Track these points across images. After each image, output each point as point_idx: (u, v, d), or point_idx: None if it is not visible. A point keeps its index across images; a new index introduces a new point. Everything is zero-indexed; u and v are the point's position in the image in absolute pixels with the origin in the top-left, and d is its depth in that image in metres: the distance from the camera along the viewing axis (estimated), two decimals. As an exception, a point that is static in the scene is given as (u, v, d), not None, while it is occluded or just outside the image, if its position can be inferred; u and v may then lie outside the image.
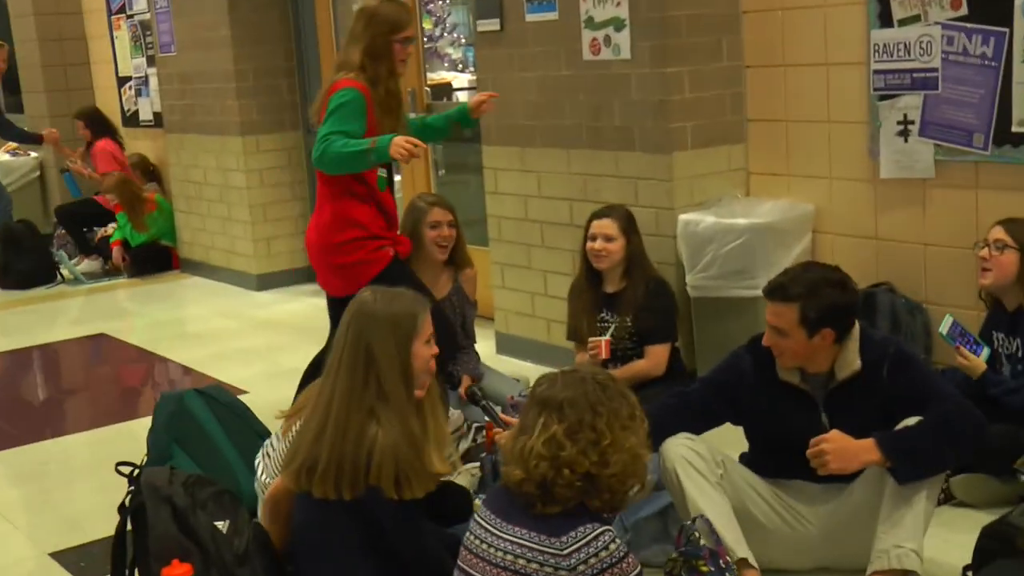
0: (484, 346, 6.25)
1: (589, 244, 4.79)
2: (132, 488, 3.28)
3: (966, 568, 3.32)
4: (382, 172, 4.57)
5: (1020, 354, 4.04)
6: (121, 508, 3.29)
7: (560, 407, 2.64)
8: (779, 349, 3.41)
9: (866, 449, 3.23)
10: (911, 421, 3.30)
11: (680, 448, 3.40)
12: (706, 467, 3.39)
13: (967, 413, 3.27)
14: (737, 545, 3.28)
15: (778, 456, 3.54)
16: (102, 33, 10.54)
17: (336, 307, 4.44)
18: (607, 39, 5.31)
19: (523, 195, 5.94)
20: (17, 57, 11.58)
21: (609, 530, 2.60)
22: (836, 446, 3.22)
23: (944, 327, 4.07)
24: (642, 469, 2.69)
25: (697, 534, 3.19)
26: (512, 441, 2.72)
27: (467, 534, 2.77)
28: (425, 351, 3.15)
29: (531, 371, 5.87)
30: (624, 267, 4.79)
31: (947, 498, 4.04)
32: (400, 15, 4.58)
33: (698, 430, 3.57)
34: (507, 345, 6.25)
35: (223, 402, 4.51)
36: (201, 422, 4.40)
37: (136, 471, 3.35)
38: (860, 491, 3.38)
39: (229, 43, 8.22)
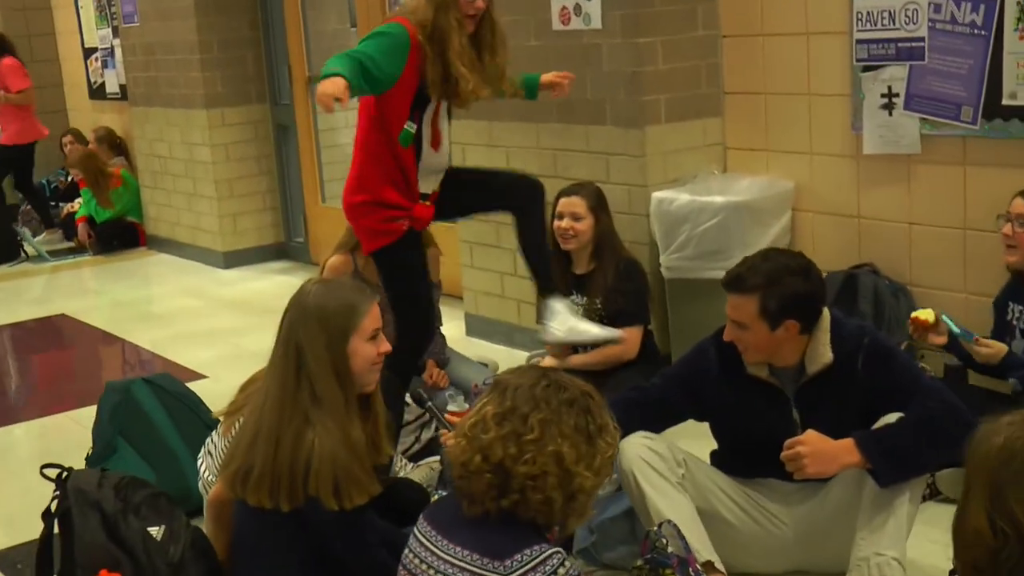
0: (453, 327, 6.05)
1: (556, 223, 4.56)
2: (57, 492, 3.05)
3: (952, 573, 3.11)
4: (409, 126, 3.94)
5: None
6: (46, 514, 3.06)
7: (504, 391, 2.42)
8: (742, 344, 3.18)
9: (845, 450, 3.00)
10: (891, 418, 3.08)
11: (637, 448, 3.18)
12: (666, 467, 3.17)
13: (953, 409, 3.03)
14: (702, 547, 3.07)
15: (748, 454, 3.32)
16: (67, 3, 10.25)
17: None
18: (577, 8, 5.06)
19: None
20: (-20, 27, 11.30)
21: (558, 552, 2.35)
22: (813, 449, 2.99)
23: (952, 324, 3.86)
24: (578, 491, 2.40)
25: (664, 540, 2.98)
26: (464, 419, 2.51)
27: (406, 550, 2.54)
28: (367, 348, 2.91)
29: (501, 354, 5.67)
30: (593, 247, 4.57)
31: (932, 493, 3.84)
32: None
33: (659, 428, 3.35)
34: (477, 327, 6.04)
35: (172, 392, 4.31)
36: (148, 413, 4.21)
37: (65, 473, 3.12)
38: (838, 491, 3.17)
39: (192, 12, 7.95)
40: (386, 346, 2.97)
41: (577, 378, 2.51)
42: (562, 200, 4.57)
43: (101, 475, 3.11)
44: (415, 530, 2.54)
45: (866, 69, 4.55)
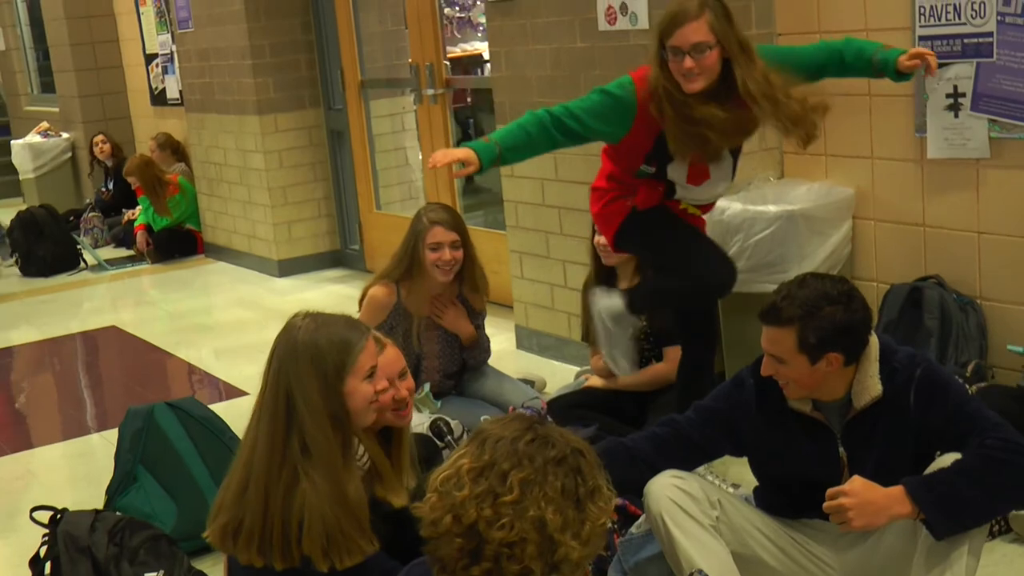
0: (503, 340, 5.86)
1: (596, 238, 4.32)
2: (46, 538, 2.88)
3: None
4: (646, 168, 3.77)
5: None
6: (34, 561, 2.89)
7: (483, 442, 2.09)
8: (781, 379, 2.90)
9: (895, 500, 2.71)
10: (947, 460, 2.78)
11: (667, 489, 2.91)
12: (698, 509, 2.90)
13: (1016, 449, 2.73)
14: None
15: (791, 493, 3.05)
16: (129, 9, 10.22)
17: None
18: (623, 7, 4.81)
19: (540, 178, 5.48)
20: (46, 36, 11.34)
21: None
22: (859, 500, 2.70)
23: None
24: (560, 561, 2.05)
25: (694, 593, 2.73)
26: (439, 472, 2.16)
27: None
28: (365, 388, 2.70)
29: (551, 369, 5.45)
30: (636, 262, 4.31)
31: (1003, 530, 3.54)
32: (668, 16, 3.59)
33: (692, 466, 3.09)
34: (527, 340, 5.82)
35: (197, 417, 4.13)
36: (172, 440, 4.03)
37: (59, 516, 2.95)
38: (891, 538, 2.88)
39: (243, 17, 7.81)
40: (384, 384, 2.75)
41: (570, 432, 2.22)
42: None
43: (95, 517, 2.96)
44: None
45: (930, 67, 4.24)
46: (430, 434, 3.70)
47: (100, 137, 10.14)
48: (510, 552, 2.01)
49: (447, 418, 4.03)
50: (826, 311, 2.80)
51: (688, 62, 3.50)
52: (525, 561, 2.02)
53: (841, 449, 2.92)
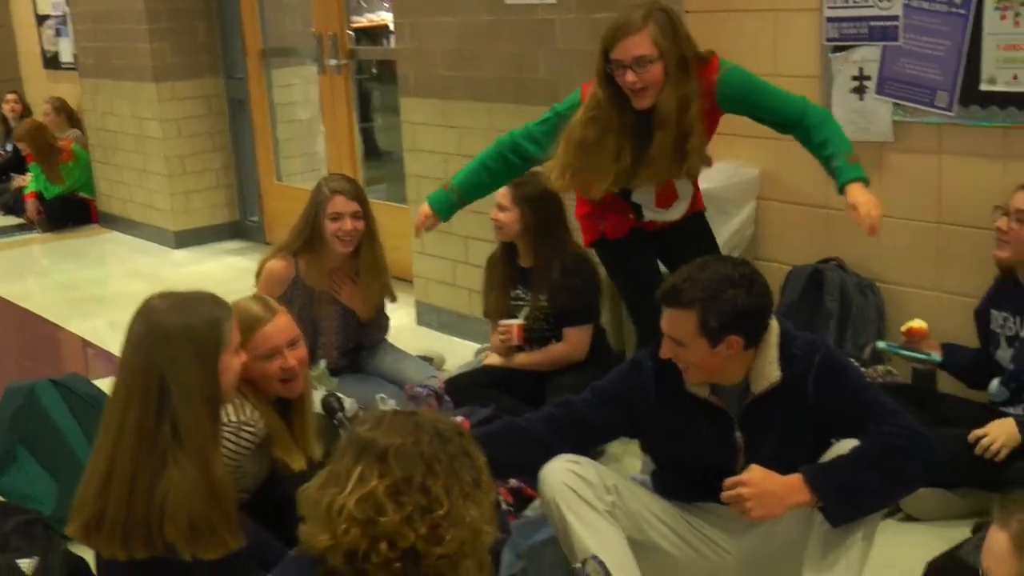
0: (403, 315, 5.77)
1: (493, 212, 4.26)
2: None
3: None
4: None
5: None
6: None
7: (384, 456, 2.01)
8: (680, 362, 2.85)
9: (793, 489, 2.67)
10: (844, 447, 2.76)
11: (562, 474, 2.85)
12: (593, 495, 2.84)
13: (913, 436, 2.71)
14: None
15: (688, 478, 3.01)
16: (19, -33, 9.87)
17: None
18: (530, -20, 4.73)
19: (443, 152, 5.38)
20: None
21: None
22: (758, 490, 2.65)
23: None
24: (482, 550, 2.08)
25: (588, 580, 2.68)
26: (317, 492, 2.08)
27: None
28: (235, 363, 2.61)
29: (451, 346, 5.38)
30: (530, 241, 4.25)
31: (893, 511, 3.55)
32: (611, 26, 3.49)
33: (588, 447, 3.05)
34: (427, 316, 5.73)
35: (81, 394, 3.97)
36: (54, 419, 3.87)
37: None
38: (787, 521, 2.83)
39: (139, -21, 7.57)
40: (244, 358, 2.65)
41: (439, 413, 2.18)
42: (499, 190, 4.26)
43: (-35, 502, 2.79)
44: None
45: (836, 49, 4.22)
46: (321, 411, 3.59)
47: (13, 96, 9.73)
48: (450, 561, 1.99)
49: (339, 395, 3.93)
50: (728, 294, 2.75)
51: (630, 76, 3.41)
52: (460, 565, 2.00)
53: (738, 434, 2.88)
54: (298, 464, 3.02)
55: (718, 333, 2.75)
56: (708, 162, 3.73)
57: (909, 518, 3.55)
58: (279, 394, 3.14)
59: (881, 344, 3.89)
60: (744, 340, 2.79)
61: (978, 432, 3.40)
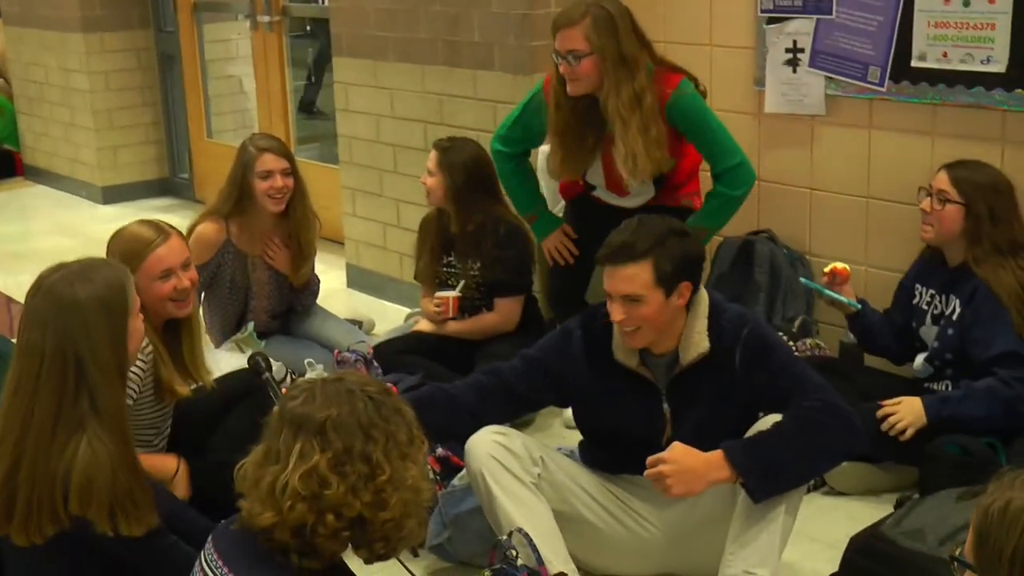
0: (334, 277, 5.73)
1: (424, 177, 4.22)
2: None
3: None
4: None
5: (953, 316, 3.51)
6: None
7: (322, 430, 2.00)
8: (634, 322, 2.83)
9: (714, 466, 2.69)
10: (767, 423, 2.78)
11: (488, 446, 2.86)
12: (519, 466, 2.85)
13: (834, 411, 2.74)
14: (555, 556, 2.77)
15: (614, 448, 3.02)
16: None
17: None
18: (466, -60, 4.67)
19: (375, 114, 5.32)
20: None
21: None
22: (678, 467, 2.67)
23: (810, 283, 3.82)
24: (421, 507, 2.10)
25: (514, 552, 2.68)
26: (256, 470, 2.06)
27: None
28: (139, 326, 2.56)
29: (382, 309, 5.34)
30: (455, 208, 4.21)
31: (818, 484, 3.59)
32: (555, 17, 3.72)
33: (515, 415, 3.10)
34: (358, 279, 5.68)
35: (6, 355, 3.87)
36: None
37: None
38: (710, 496, 2.86)
39: (66, -77, 7.38)
40: (140, 321, 2.60)
41: (364, 375, 2.18)
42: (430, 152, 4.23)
43: None
44: (201, 562, 2.15)
45: (771, 21, 4.22)
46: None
47: None
48: (395, 523, 2.03)
49: (266, 355, 3.90)
50: (672, 241, 2.80)
51: (562, 66, 3.54)
52: (405, 524, 2.04)
53: (665, 405, 2.90)
54: (183, 390, 3.11)
55: (673, 280, 2.78)
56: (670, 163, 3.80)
57: (834, 491, 3.58)
58: (170, 315, 3.20)
59: (804, 280, 3.89)
60: (692, 285, 2.83)
61: (887, 409, 3.42)
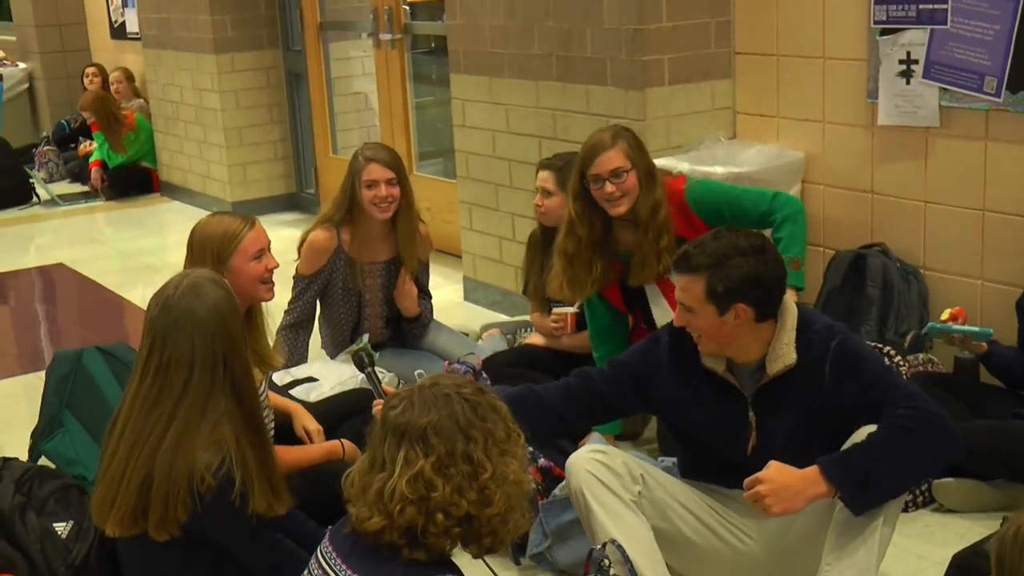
0: (451, 291, 5.81)
1: (537, 198, 4.25)
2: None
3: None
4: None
5: None
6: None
7: (424, 436, 2.10)
8: (693, 330, 2.85)
9: (811, 482, 2.66)
10: (861, 435, 2.75)
11: (588, 463, 2.87)
12: (620, 485, 2.86)
13: (933, 422, 2.69)
14: (652, 573, 2.77)
15: (704, 456, 3.03)
16: (87, -63, 10.00)
17: None
18: (578, -42, 4.72)
19: (491, 129, 5.40)
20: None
21: None
22: (775, 486, 2.65)
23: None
24: (524, 499, 2.17)
25: (607, 562, 2.70)
26: (362, 478, 2.16)
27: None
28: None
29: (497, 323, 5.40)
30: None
31: (926, 502, 3.53)
32: (586, 148, 3.79)
33: (602, 419, 3.17)
34: (474, 292, 5.76)
35: (127, 362, 4.02)
36: (99, 386, 3.94)
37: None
38: (809, 510, 2.82)
39: (201, -49, 7.65)
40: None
41: (456, 376, 2.26)
42: (539, 173, 4.25)
43: (2, 465, 2.88)
44: (318, 556, 2.25)
45: (884, 32, 4.17)
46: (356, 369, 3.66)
47: (93, 69, 9.81)
48: (502, 518, 2.13)
49: (372, 352, 4.03)
50: (735, 261, 2.78)
51: (609, 187, 3.67)
52: (511, 520, 2.14)
53: (751, 414, 2.90)
54: (258, 375, 3.16)
55: (725, 300, 2.77)
56: None
57: (943, 509, 3.52)
58: (260, 299, 3.35)
59: (931, 325, 3.78)
60: (754, 310, 2.80)
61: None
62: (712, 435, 2.94)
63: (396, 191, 4.35)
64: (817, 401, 2.83)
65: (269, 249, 3.43)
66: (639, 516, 2.86)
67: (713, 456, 2.98)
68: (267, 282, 3.37)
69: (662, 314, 3.84)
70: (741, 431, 2.88)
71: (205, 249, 3.34)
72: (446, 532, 2.09)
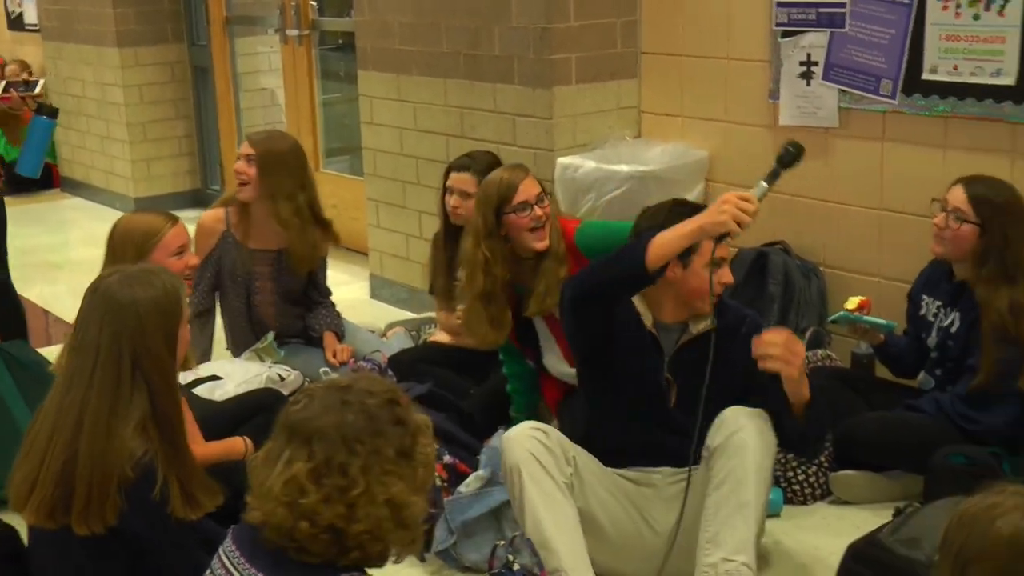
0: (358, 288, 5.80)
1: (446, 197, 4.22)
2: None
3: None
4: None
5: (952, 329, 3.53)
6: None
7: (309, 439, 2.04)
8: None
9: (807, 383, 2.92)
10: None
11: (528, 441, 2.92)
12: (555, 466, 2.92)
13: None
14: (576, 562, 2.84)
15: (618, 416, 3.16)
16: (-19, -77, 9.75)
17: None
18: (485, -44, 4.73)
19: (399, 127, 5.39)
20: None
21: None
22: (782, 337, 2.86)
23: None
24: (410, 520, 2.10)
25: (511, 557, 2.72)
26: (258, 467, 2.11)
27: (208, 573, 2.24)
28: (187, 336, 2.68)
29: (402, 319, 5.39)
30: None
31: (824, 494, 3.61)
32: (500, 185, 3.69)
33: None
34: (381, 290, 5.75)
35: (24, 361, 3.97)
36: (-3, 386, 3.86)
37: None
38: (698, 492, 2.96)
39: (102, -59, 7.52)
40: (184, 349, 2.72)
41: (375, 379, 2.21)
42: (452, 174, 4.19)
43: None
44: (220, 553, 2.22)
45: (786, 35, 4.25)
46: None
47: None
48: (371, 536, 2.05)
49: (286, 368, 3.98)
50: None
51: (538, 210, 3.59)
52: (384, 538, 2.06)
53: (666, 371, 3.07)
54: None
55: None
56: None
57: (840, 501, 3.60)
58: None
59: (840, 314, 3.85)
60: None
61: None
62: (631, 385, 3.11)
63: (252, 171, 4.36)
64: (725, 368, 2.99)
65: (190, 247, 3.51)
66: (568, 499, 2.92)
67: (623, 411, 3.13)
68: (188, 278, 3.47)
69: (551, 352, 3.82)
70: (656, 388, 3.08)
71: (127, 244, 3.36)
72: (314, 538, 2.03)
